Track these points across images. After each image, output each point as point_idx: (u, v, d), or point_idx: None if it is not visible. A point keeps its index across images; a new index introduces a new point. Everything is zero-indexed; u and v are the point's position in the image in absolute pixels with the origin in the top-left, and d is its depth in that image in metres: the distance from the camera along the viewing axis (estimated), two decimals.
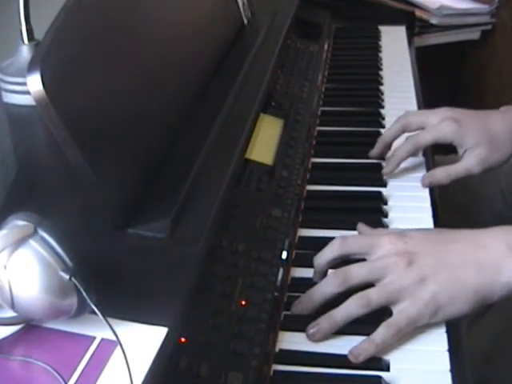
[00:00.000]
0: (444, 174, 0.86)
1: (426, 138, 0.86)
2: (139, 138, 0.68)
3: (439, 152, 0.96)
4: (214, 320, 0.59)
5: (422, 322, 0.63)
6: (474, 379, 0.63)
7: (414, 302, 0.63)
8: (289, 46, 1.12)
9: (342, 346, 0.64)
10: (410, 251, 0.65)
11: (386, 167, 0.89)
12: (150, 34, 0.76)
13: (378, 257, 0.66)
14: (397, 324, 0.63)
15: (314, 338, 0.64)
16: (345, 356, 0.63)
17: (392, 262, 0.64)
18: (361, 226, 0.75)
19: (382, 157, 0.92)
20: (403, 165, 0.90)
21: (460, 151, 0.86)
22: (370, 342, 0.62)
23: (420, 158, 0.93)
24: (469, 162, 0.84)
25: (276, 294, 0.66)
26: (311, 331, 0.64)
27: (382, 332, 0.62)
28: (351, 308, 0.63)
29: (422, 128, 0.87)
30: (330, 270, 0.69)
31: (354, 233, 0.78)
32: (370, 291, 0.64)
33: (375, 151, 0.92)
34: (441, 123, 0.85)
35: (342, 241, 0.68)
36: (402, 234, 0.68)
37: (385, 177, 0.89)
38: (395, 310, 0.64)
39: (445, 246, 0.66)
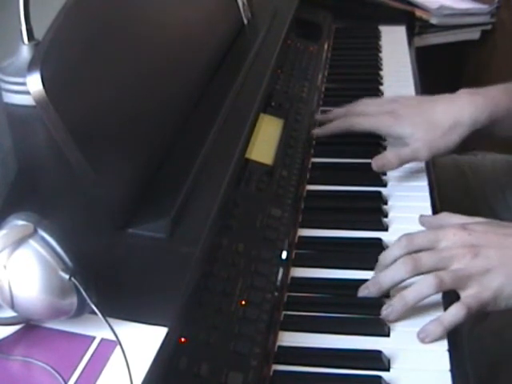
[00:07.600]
0: (393, 156, 0.87)
1: (362, 124, 0.90)
2: (139, 137, 0.68)
3: None
4: (214, 320, 0.59)
5: (489, 308, 0.65)
6: (477, 381, 0.63)
7: (484, 290, 0.64)
8: (289, 46, 1.11)
9: (342, 343, 0.64)
10: (474, 244, 0.67)
11: (316, 130, 0.95)
12: (150, 34, 0.76)
13: (444, 247, 0.67)
14: (468, 305, 0.64)
15: (388, 319, 0.66)
16: (344, 352, 0.63)
17: (459, 253, 0.66)
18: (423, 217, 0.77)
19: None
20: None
21: (406, 142, 0.88)
22: (439, 323, 0.63)
23: None
24: (414, 145, 0.86)
25: (276, 293, 0.66)
26: (385, 312, 0.66)
27: (452, 313, 0.64)
28: (423, 289, 0.65)
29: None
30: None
31: (354, 233, 0.79)
32: (442, 274, 0.65)
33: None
34: (379, 115, 0.89)
35: (408, 239, 0.69)
36: (464, 225, 0.69)
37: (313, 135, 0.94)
38: (464, 294, 0.65)
39: (509, 240, 0.67)
